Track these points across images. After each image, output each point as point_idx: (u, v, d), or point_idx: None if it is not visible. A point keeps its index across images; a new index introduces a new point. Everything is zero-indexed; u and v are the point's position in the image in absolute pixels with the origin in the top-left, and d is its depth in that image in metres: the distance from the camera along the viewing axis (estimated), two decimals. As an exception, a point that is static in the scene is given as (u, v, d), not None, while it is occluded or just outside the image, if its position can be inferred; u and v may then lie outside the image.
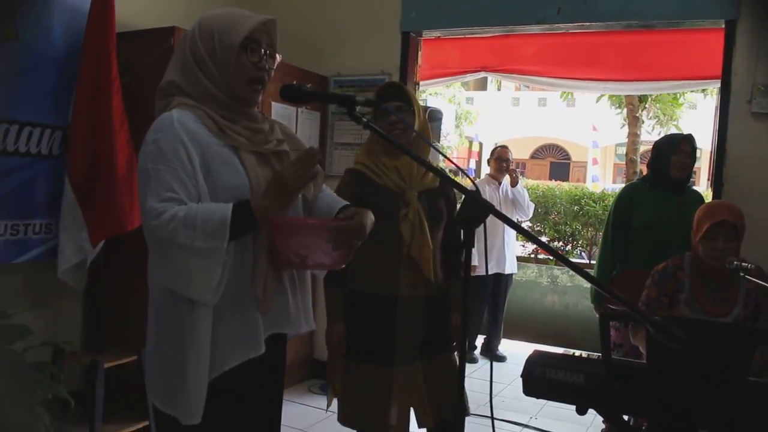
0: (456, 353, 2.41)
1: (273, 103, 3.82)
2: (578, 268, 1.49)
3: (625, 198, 3.38)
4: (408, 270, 2.29)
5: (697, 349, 1.67)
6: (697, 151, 3.29)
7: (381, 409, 2.30)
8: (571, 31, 4.07)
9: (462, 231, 1.50)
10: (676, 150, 3.21)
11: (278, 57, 1.70)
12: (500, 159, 5.17)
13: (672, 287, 2.60)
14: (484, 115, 19.21)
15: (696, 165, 3.36)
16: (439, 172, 1.70)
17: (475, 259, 4.35)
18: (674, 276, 2.60)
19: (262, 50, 1.64)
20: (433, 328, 2.35)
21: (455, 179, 2.15)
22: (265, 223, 1.52)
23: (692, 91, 9.53)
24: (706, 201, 3.19)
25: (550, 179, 17.98)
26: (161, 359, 1.59)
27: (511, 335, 5.85)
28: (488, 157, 5.41)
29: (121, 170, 2.98)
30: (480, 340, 5.54)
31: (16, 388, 2.50)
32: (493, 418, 1.80)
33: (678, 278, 2.59)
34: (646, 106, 10.10)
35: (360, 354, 2.34)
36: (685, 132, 3.49)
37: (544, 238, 8.15)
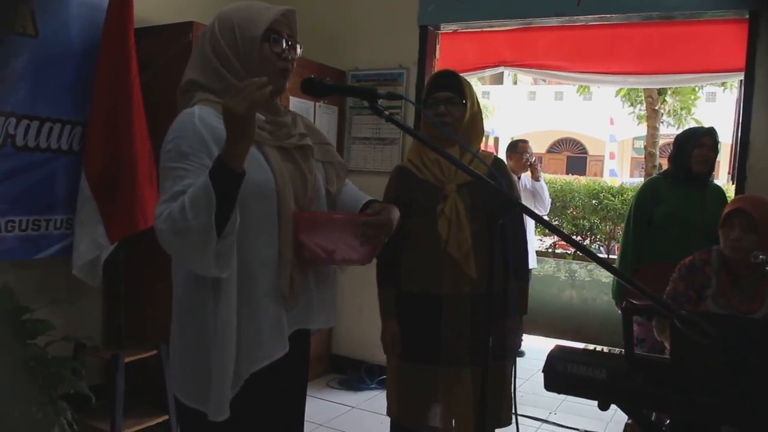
0: (505, 360, 2.31)
1: (291, 97, 3.82)
2: (604, 262, 1.47)
3: (646, 192, 3.35)
4: (449, 267, 2.21)
5: (724, 345, 1.65)
6: (720, 144, 3.25)
7: (424, 409, 2.28)
8: (590, 23, 4.02)
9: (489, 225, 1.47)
10: (697, 143, 3.17)
11: (299, 48, 1.68)
12: (522, 153, 5.13)
13: (699, 282, 2.55)
14: (500, 109, 19.13)
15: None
16: (466, 167, 1.56)
17: None
18: (701, 270, 2.56)
19: (284, 41, 1.62)
20: (485, 331, 2.27)
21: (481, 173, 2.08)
22: (240, 166, 1.41)
23: (711, 84, 9.44)
24: (728, 195, 3.16)
25: (567, 173, 17.85)
26: (186, 355, 1.58)
27: (530, 330, 5.81)
28: (506, 151, 5.36)
29: (142, 167, 2.99)
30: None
31: (38, 382, 2.52)
32: (516, 415, 1.79)
33: (705, 273, 2.55)
34: (666, 99, 10.00)
35: (409, 353, 2.31)
36: (705, 125, 3.45)
37: (563, 231, 8.10)
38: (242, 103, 1.36)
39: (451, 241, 2.19)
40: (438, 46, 4.31)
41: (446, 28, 4.29)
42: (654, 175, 3.42)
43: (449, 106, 2.25)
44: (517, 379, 2.07)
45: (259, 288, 1.54)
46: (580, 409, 3.67)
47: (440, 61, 4.35)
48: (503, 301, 2.28)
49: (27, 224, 2.95)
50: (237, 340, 1.50)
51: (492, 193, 2.13)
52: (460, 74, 2.36)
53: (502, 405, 2.29)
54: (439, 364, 2.24)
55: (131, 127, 2.99)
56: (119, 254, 3.12)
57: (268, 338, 1.55)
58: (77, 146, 3.12)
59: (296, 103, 3.90)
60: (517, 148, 5.17)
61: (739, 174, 3.47)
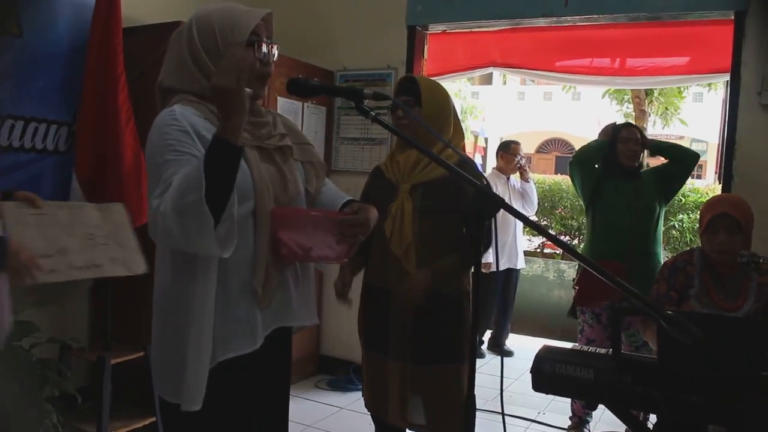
0: (459, 363, 2.31)
1: (279, 98, 3.81)
2: (590, 262, 1.47)
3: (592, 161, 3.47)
4: (394, 263, 2.30)
5: (710, 344, 1.65)
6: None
7: (381, 398, 2.38)
8: (577, 23, 4.03)
9: (473, 225, 1.47)
10: (620, 139, 3.34)
11: (276, 48, 1.66)
12: (513, 155, 5.16)
13: (682, 282, 2.57)
14: (489, 110, 19.17)
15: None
16: (447, 165, 1.57)
17: (489, 257, 4.34)
18: (684, 271, 2.58)
19: (265, 45, 1.61)
20: (427, 329, 2.29)
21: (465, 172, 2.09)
22: (237, 139, 1.42)
23: (698, 85, 9.51)
24: (711, 194, 3.21)
25: (556, 173, 17.93)
26: (165, 349, 1.59)
27: (518, 330, 5.84)
28: (497, 151, 5.38)
29: (128, 166, 2.98)
30: (487, 335, 5.53)
31: (23, 384, 2.50)
32: (504, 414, 1.79)
33: (687, 273, 2.57)
34: (653, 99, 10.07)
35: (368, 341, 2.45)
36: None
37: (551, 233, 8.13)
38: (229, 76, 1.39)
39: (393, 237, 2.29)
40: (426, 47, 4.31)
41: (434, 28, 4.30)
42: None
43: (411, 108, 2.33)
44: (504, 379, 2.07)
45: (234, 284, 1.55)
46: (569, 408, 3.67)
47: (429, 62, 4.35)
48: (457, 301, 2.35)
49: (12, 225, 2.92)
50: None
51: (448, 193, 2.27)
52: (423, 77, 2.51)
53: (451, 412, 2.30)
54: (388, 355, 2.35)
55: (119, 127, 2.97)
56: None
57: (238, 333, 1.56)
58: (64, 146, 3.10)
59: (284, 104, 3.88)
60: (509, 149, 5.20)
61: (726, 174, 3.49)
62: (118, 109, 2.97)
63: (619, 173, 3.35)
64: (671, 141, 3.42)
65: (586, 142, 3.68)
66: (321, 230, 1.61)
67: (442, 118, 2.37)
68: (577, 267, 3.63)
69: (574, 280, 3.53)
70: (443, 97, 2.40)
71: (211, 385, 1.52)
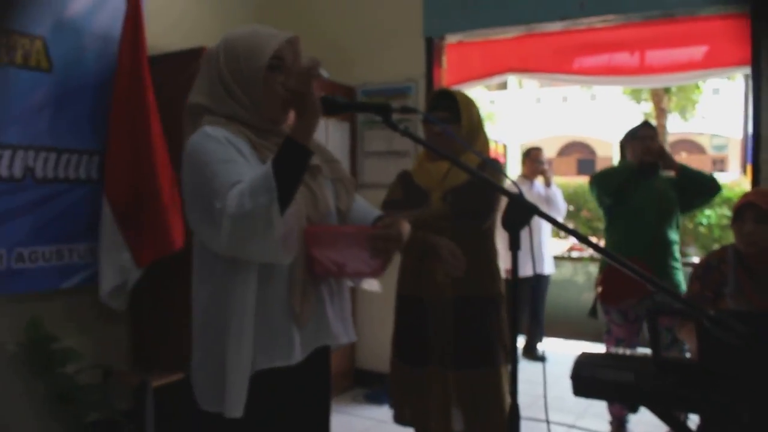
0: (498, 366, 2.37)
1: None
2: (621, 261, 1.48)
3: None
4: (430, 270, 2.32)
5: (752, 343, 1.65)
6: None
7: (422, 409, 2.37)
8: (594, 25, 4.04)
9: (508, 234, 1.49)
10: (636, 137, 3.35)
11: None
12: (535, 161, 5.23)
13: (716, 281, 2.54)
14: (506, 116, 19.11)
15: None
16: (479, 175, 1.62)
17: (508, 262, 4.35)
18: (717, 269, 2.55)
19: (287, 69, 1.64)
20: (468, 334, 2.33)
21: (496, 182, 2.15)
22: (309, 141, 1.49)
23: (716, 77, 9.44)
24: (741, 188, 3.20)
25: (578, 174, 17.82)
26: (205, 361, 1.62)
27: (549, 333, 5.81)
28: (520, 157, 5.45)
29: (166, 192, 3.03)
30: (520, 341, 5.52)
31: (69, 410, 2.55)
32: (548, 422, 1.80)
33: (722, 271, 2.54)
34: (672, 96, 10.01)
35: (404, 354, 2.44)
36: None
37: (581, 234, 8.10)
38: (300, 80, 1.49)
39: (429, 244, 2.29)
40: (444, 57, 4.34)
41: (451, 38, 4.32)
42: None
43: (448, 123, 2.36)
44: (540, 384, 2.07)
45: (272, 301, 1.57)
46: (606, 413, 3.65)
47: (447, 72, 4.38)
48: (492, 305, 2.38)
49: (50, 254, 3.00)
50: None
51: (479, 194, 2.32)
52: (458, 91, 2.50)
53: (492, 415, 2.33)
54: (428, 365, 2.35)
55: (152, 154, 3.03)
56: (143, 279, 3.16)
57: (276, 345, 1.58)
58: (96, 175, 3.17)
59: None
60: (530, 154, 5.30)
61: (754, 168, 3.46)
62: (149, 135, 3.03)
63: (638, 172, 3.32)
64: (702, 171, 3.37)
65: (606, 145, 3.70)
66: (354, 246, 1.62)
67: (477, 131, 2.43)
68: (599, 267, 3.62)
69: (597, 279, 3.52)
70: (477, 110, 2.45)
71: (251, 397, 1.54)
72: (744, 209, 2.46)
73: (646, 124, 3.46)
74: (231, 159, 1.50)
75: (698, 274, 2.60)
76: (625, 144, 3.47)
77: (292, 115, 1.65)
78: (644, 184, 3.31)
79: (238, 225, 1.41)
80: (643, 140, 3.32)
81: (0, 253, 2.81)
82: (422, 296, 2.35)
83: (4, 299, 2.83)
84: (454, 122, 2.36)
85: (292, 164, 1.44)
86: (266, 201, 1.39)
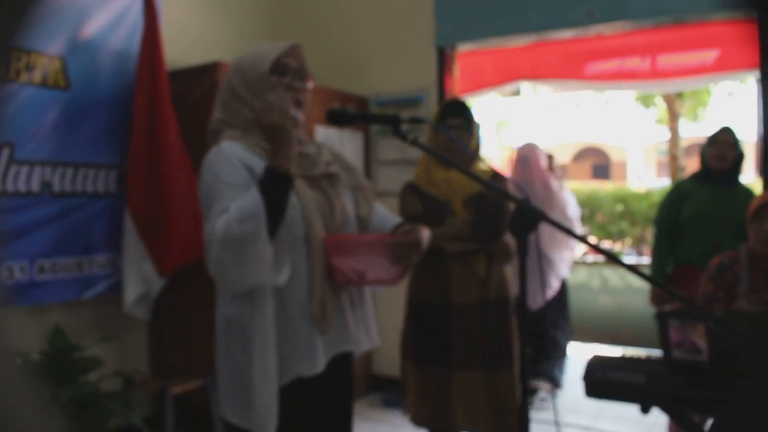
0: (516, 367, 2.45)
1: (318, 126, 3.91)
2: (634, 269, 1.50)
3: (673, 193, 3.38)
4: (457, 276, 2.39)
5: (761, 342, 1.67)
6: (741, 141, 3.27)
7: (445, 412, 2.40)
8: (603, 33, 4.06)
9: (517, 239, 1.53)
10: (713, 142, 3.24)
11: (311, 81, 1.75)
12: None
13: (729, 281, 2.55)
14: (520, 122, 19.09)
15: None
16: (489, 184, 1.65)
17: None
18: (730, 269, 2.56)
19: (291, 72, 1.71)
20: (494, 335, 2.40)
21: (503, 188, 2.21)
22: (289, 167, 1.53)
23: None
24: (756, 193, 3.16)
25: (593, 179, 17.73)
26: (230, 374, 1.65)
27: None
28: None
29: (187, 201, 3.10)
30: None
31: (91, 417, 2.61)
32: (558, 425, 1.82)
33: (735, 272, 2.55)
34: (684, 100, 9.98)
35: (423, 356, 2.48)
36: (724, 122, 3.49)
37: (591, 239, 8.09)
38: (274, 113, 1.53)
39: (456, 251, 2.38)
40: (456, 66, 4.38)
41: (462, 47, 4.36)
42: (681, 178, 3.50)
43: (461, 132, 2.43)
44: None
45: (292, 311, 1.61)
46: (623, 414, 3.66)
47: (459, 81, 4.41)
48: (511, 307, 2.48)
49: (71, 266, 3.07)
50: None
51: (496, 207, 2.43)
52: (468, 100, 2.54)
53: (509, 413, 2.40)
54: (452, 367, 2.40)
55: (172, 166, 3.10)
56: (162, 288, 3.21)
57: (298, 356, 1.61)
58: (114, 188, 3.23)
59: (323, 132, 3.98)
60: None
61: (765, 170, 3.46)
62: (169, 148, 3.10)
63: (710, 178, 3.24)
64: None
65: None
66: (374, 254, 1.66)
67: (479, 138, 2.52)
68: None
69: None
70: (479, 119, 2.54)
71: (278, 410, 1.58)
72: (761, 209, 2.47)
73: (725, 129, 3.27)
74: (234, 183, 1.56)
75: (711, 274, 2.61)
76: (704, 149, 3.32)
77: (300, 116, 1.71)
78: (715, 190, 3.20)
79: (225, 249, 1.47)
80: (717, 145, 3.22)
81: (23, 265, 2.88)
82: (442, 301, 2.41)
83: (27, 310, 2.91)
84: (469, 129, 2.43)
85: (276, 190, 1.51)
86: (253, 227, 1.45)
